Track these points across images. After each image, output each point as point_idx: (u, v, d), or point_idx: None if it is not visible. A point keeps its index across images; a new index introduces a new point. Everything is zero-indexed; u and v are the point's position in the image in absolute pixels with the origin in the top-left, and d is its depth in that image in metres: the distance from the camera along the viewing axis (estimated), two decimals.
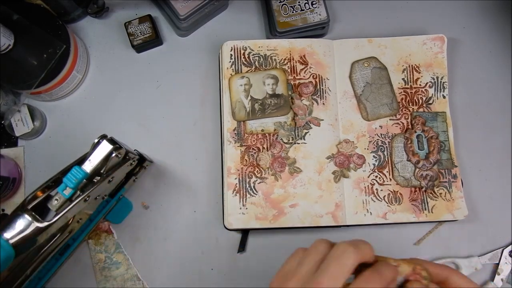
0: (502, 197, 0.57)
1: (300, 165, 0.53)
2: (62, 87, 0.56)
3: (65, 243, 0.47)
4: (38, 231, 0.40)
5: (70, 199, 0.42)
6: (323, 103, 0.55)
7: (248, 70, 0.55)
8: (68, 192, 0.42)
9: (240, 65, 0.56)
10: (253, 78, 0.55)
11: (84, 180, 0.42)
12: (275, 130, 0.54)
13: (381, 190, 0.54)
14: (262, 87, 0.55)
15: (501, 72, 0.61)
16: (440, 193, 0.54)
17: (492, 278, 0.54)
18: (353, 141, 0.55)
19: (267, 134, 0.54)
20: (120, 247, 0.55)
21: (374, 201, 0.53)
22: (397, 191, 0.54)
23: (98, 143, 0.43)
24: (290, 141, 0.54)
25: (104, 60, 0.60)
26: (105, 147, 0.43)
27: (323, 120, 0.55)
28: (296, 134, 0.54)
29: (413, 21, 0.62)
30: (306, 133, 0.54)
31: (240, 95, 0.55)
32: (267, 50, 0.56)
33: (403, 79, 0.57)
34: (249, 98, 0.55)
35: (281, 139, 0.54)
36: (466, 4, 0.63)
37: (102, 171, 0.44)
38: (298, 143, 0.54)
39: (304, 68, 0.56)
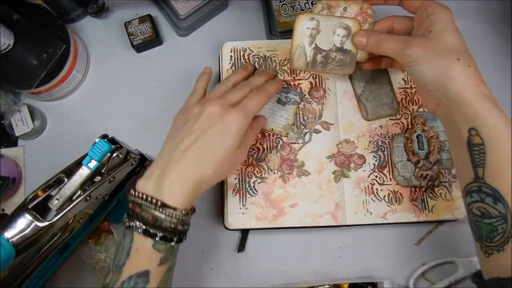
0: None
1: (307, 168, 0.54)
2: (62, 87, 0.56)
3: (66, 242, 0.47)
4: (39, 231, 0.40)
5: (70, 199, 0.42)
6: (323, 103, 0.55)
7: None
8: (93, 165, 0.41)
9: (240, 66, 0.56)
10: (323, 23, 0.47)
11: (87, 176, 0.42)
12: (272, 129, 0.54)
13: (381, 190, 0.54)
14: (331, 36, 0.47)
15: (501, 72, 0.61)
16: (440, 193, 0.54)
17: None
18: (353, 141, 0.55)
19: (266, 135, 0.54)
20: None
21: (374, 201, 0.53)
22: (397, 191, 0.54)
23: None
24: (299, 143, 0.54)
25: (104, 60, 0.60)
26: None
27: (332, 124, 0.55)
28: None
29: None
30: (306, 133, 0.54)
31: (304, 40, 0.48)
32: (267, 51, 0.56)
33: (403, 79, 0.57)
34: (313, 46, 0.48)
35: (291, 141, 0.54)
36: (466, 4, 0.63)
37: (103, 171, 0.44)
38: (299, 143, 0.54)
39: None
